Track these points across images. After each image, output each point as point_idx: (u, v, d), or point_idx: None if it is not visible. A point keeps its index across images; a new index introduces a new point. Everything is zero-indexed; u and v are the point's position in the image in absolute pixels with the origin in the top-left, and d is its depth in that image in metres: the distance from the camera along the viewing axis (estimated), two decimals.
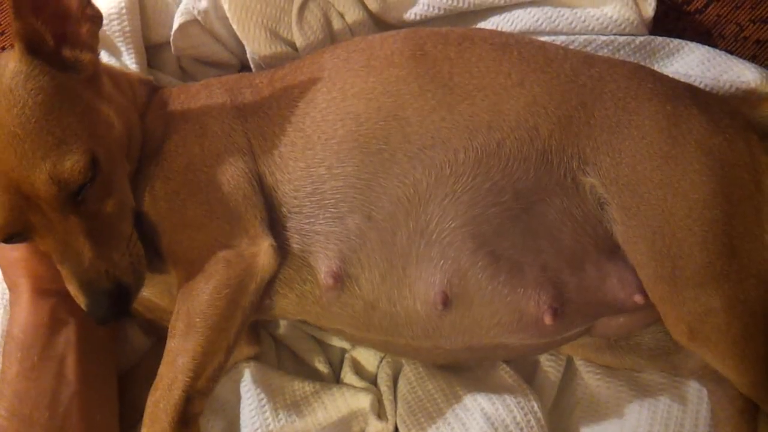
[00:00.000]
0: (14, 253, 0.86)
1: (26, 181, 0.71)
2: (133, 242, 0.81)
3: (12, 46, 1.20)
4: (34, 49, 0.75)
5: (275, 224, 0.85)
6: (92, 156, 0.74)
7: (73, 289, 0.77)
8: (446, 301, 0.83)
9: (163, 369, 0.79)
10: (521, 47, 0.89)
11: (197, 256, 0.81)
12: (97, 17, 0.81)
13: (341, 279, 0.83)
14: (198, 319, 0.78)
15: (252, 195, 0.84)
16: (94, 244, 0.76)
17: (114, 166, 0.79)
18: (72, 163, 0.72)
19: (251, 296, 0.81)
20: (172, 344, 0.79)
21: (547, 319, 0.83)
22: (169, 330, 0.80)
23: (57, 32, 0.77)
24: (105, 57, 1.03)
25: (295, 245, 0.84)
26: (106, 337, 0.95)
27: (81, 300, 0.76)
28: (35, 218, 0.74)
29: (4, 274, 0.90)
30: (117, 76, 0.90)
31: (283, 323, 1.07)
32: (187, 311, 0.79)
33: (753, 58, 1.08)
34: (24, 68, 0.74)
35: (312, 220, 0.84)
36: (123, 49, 1.05)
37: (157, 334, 1.01)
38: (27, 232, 0.76)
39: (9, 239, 0.76)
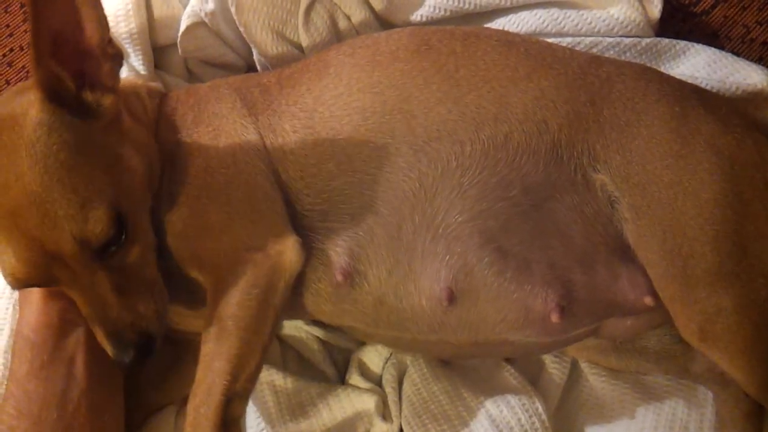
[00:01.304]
0: None
1: (50, 240, 0.70)
2: (158, 288, 0.79)
3: (21, 47, 1.21)
4: (55, 96, 0.72)
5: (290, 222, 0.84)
6: (117, 213, 0.72)
7: (98, 335, 0.76)
8: (451, 297, 0.82)
9: (200, 374, 0.77)
10: (528, 45, 0.89)
11: (223, 259, 0.80)
12: (118, 56, 0.78)
13: (350, 276, 0.83)
14: (230, 322, 0.77)
15: (271, 192, 0.83)
16: (120, 296, 0.74)
17: (138, 212, 0.78)
18: (96, 222, 0.70)
19: (281, 294, 0.80)
20: (207, 349, 0.78)
21: (554, 317, 0.82)
22: (203, 335, 0.79)
23: (76, 73, 0.74)
24: None
25: (309, 243, 0.83)
26: None
27: (107, 347, 0.75)
28: (60, 273, 0.73)
29: None
30: (130, 101, 0.88)
31: (287, 324, 1.07)
32: (219, 315, 0.77)
33: (760, 60, 1.09)
34: (46, 118, 0.71)
35: (323, 216, 0.84)
36: (130, 50, 1.05)
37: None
38: (51, 283, 0.75)
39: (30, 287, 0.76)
